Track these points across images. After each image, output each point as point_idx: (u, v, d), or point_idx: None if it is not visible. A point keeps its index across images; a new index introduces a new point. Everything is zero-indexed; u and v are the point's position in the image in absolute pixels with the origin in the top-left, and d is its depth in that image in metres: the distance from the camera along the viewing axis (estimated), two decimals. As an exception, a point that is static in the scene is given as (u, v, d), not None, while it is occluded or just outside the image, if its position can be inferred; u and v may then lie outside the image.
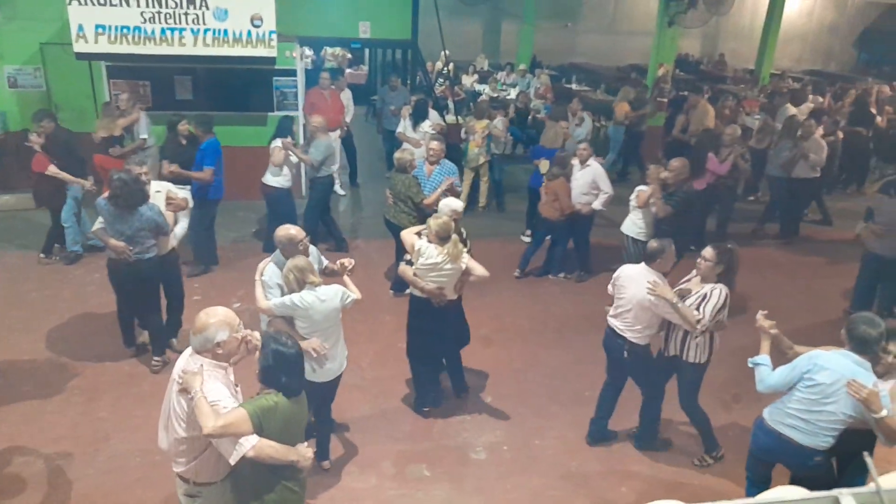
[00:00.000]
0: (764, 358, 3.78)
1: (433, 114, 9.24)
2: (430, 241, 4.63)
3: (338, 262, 4.40)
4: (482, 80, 14.42)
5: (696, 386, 4.61)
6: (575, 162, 7.25)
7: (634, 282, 4.39)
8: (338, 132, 9.59)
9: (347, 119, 9.86)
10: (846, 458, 3.76)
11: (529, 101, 12.13)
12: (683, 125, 9.87)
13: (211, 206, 6.97)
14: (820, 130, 8.93)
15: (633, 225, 6.62)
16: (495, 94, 12.84)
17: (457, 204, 5.19)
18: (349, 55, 16.32)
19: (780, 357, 3.87)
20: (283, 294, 3.99)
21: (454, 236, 4.66)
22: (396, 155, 6.71)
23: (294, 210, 7.42)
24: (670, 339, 4.51)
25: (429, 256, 4.59)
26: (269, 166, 7.26)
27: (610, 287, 4.65)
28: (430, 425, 5.00)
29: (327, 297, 3.93)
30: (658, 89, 10.94)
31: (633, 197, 6.61)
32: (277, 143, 7.26)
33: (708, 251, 4.34)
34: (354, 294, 4.10)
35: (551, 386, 5.56)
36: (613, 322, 4.58)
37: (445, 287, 4.68)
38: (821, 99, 12.30)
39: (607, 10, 18.03)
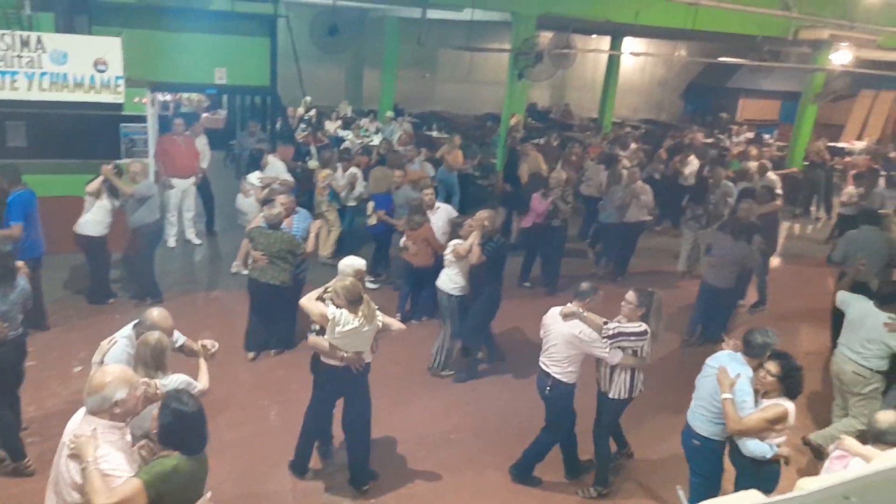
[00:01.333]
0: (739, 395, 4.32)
1: (278, 164, 8.92)
2: (339, 307, 4.39)
3: (200, 342, 4.06)
4: (346, 126, 14.53)
5: (613, 421, 5.03)
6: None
7: (558, 319, 4.74)
8: (192, 179, 9.28)
9: (203, 165, 9.57)
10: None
11: (392, 148, 12.37)
12: (522, 173, 10.26)
13: (30, 266, 6.40)
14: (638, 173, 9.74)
15: (450, 280, 6.43)
16: (359, 141, 12.97)
17: (359, 262, 4.94)
18: (206, 100, 15.88)
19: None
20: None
21: (364, 295, 4.52)
22: (265, 213, 6.43)
23: (109, 259, 7.21)
24: (600, 375, 4.89)
25: (346, 323, 4.35)
26: (83, 213, 6.89)
27: (541, 331, 4.94)
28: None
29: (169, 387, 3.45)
30: (511, 138, 11.54)
31: (448, 252, 6.42)
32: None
33: (630, 295, 4.75)
34: (202, 384, 3.72)
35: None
36: (543, 360, 4.88)
37: (363, 350, 4.55)
38: (633, 145, 13.32)
39: (464, 61, 18.86)
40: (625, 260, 9.58)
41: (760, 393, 4.03)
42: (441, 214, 7.51)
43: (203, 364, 3.91)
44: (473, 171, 12.25)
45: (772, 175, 10.50)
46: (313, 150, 10.91)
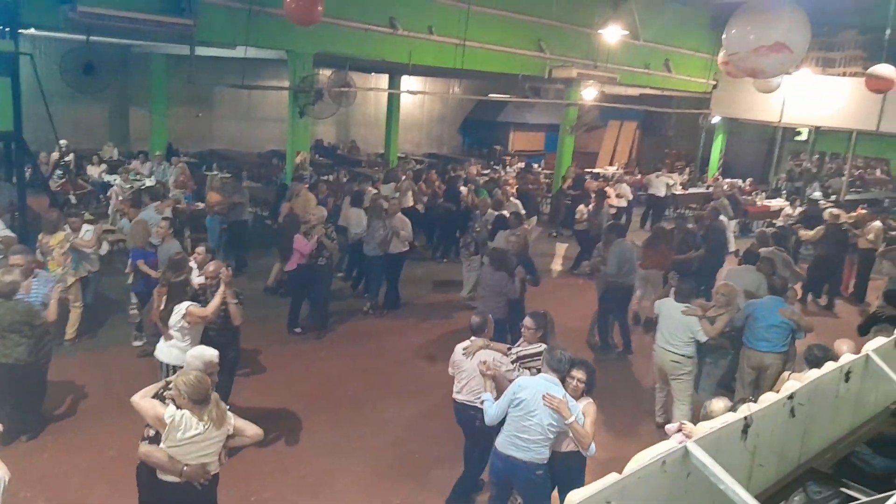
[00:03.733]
0: (487, 395, 4.55)
1: None
2: (180, 407, 3.62)
3: None
4: (112, 171, 13.32)
5: None
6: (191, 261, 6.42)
7: (468, 358, 5.02)
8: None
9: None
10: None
11: (168, 191, 11.57)
12: (287, 212, 9.60)
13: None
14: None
15: (175, 349, 5.36)
16: (128, 185, 11.95)
17: (210, 353, 4.21)
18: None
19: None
20: None
21: (213, 394, 3.75)
22: None
23: None
24: None
25: (188, 428, 3.58)
26: None
27: (450, 369, 5.15)
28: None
29: None
30: (298, 176, 11.38)
31: (178, 318, 5.37)
32: None
33: (527, 320, 5.23)
34: None
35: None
36: (461, 398, 5.02)
37: (210, 461, 3.73)
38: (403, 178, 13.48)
39: (243, 98, 18.31)
40: (393, 291, 9.53)
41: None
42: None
43: None
44: (260, 212, 11.82)
45: (514, 200, 11.39)
46: (72, 199, 9.82)
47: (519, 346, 5.23)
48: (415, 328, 9.00)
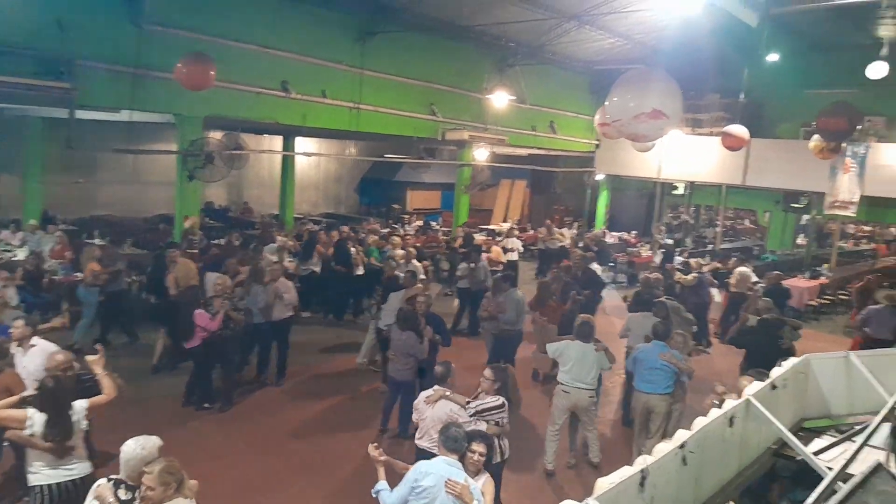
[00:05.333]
0: (382, 484, 4.19)
1: None
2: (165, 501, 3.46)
3: None
4: (-22, 241, 12.32)
5: (497, 484, 5.15)
6: (13, 346, 5.72)
7: (430, 406, 5.26)
8: None
9: None
10: None
11: (43, 261, 10.82)
12: (173, 284, 9.09)
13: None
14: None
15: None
16: (-1, 257, 11.08)
17: (154, 440, 3.92)
18: None
19: (398, 478, 4.19)
20: None
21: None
22: None
23: None
24: None
25: None
26: None
27: (414, 415, 5.43)
28: None
29: None
30: (187, 241, 10.96)
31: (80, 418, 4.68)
32: None
33: (487, 372, 5.45)
34: None
35: None
36: (422, 444, 5.21)
37: None
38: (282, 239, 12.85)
39: (127, 162, 17.59)
40: (282, 360, 9.05)
41: (471, 473, 4.23)
42: (36, 354, 5.70)
43: None
44: (139, 280, 11.11)
45: (415, 262, 11.29)
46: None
47: (477, 398, 5.38)
48: (314, 397, 8.68)
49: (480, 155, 15.90)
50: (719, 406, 3.80)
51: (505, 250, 15.25)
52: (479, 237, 16.72)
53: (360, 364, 9.65)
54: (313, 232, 13.61)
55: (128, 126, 10.64)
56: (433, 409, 5.25)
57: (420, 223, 20.51)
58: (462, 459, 4.18)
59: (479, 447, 4.31)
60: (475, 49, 15.34)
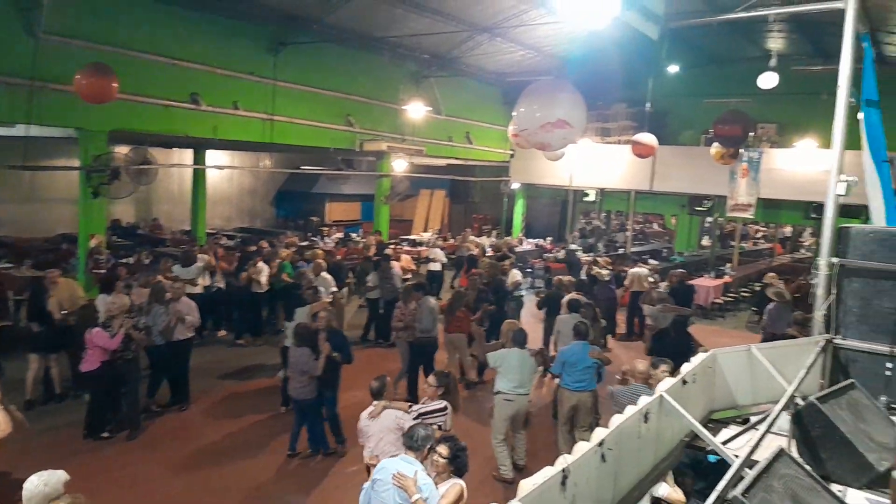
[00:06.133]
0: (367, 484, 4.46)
1: None
2: None
3: None
4: None
5: None
6: None
7: (374, 420, 5.36)
8: None
9: None
10: None
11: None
12: (55, 307, 8.40)
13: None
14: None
15: None
16: None
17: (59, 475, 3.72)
18: None
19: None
20: None
21: None
22: None
23: None
24: None
25: None
26: None
27: (359, 439, 5.48)
28: None
29: None
30: (93, 261, 10.43)
31: None
32: None
33: (431, 378, 5.73)
34: None
35: None
36: (371, 462, 5.17)
37: None
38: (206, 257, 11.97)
39: (25, 179, 16.59)
40: (184, 382, 8.69)
41: (434, 477, 4.30)
42: None
43: None
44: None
45: (326, 275, 11.00)
46: None
47: (422, 403, 5.60)
48: (225, 419, 8.39)
49: (399, 165, 15.95)
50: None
51: (428, 260, 15.34)
52: (401, 247, 16.73)
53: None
54: (213, 247, 13.22)
55: (24, 141, 10.03)
56: (378, 421, 5.37)
57: (340, 235, 20.32)
58: (426, 460, 4.36)
59: (443, 449, 4.35)
60: (391, 60, 15.40)
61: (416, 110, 15.01)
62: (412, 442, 4.36)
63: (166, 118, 11.29)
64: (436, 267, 15.12)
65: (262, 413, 8.62)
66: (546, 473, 2.52)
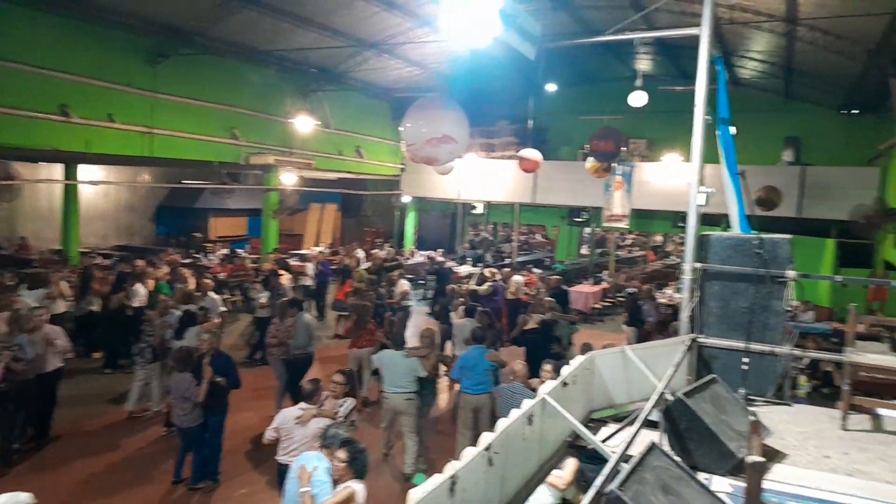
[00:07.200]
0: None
1: None
2: None
3: None
4: None
5: None
6: None
7: (301, 426, 5.62)
8: None
9: None
10: None
11: None
12: None
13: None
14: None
15: None
16: None
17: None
18: None
19: None
20: None
21: None
22: None
23: None
24: None
25: None
26: None
27: (273, 433, 5.68)
28: None
29: None
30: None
31: None
32: None
33: (337, 377, 6.13)
34: None
35: None
36: (284, 459, 5.56)
37: None
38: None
39: None
40: (47, 418, 8.06)
41: (335, 480, 4.43)
42: None
43: None
44: None
45: (213, 294, 10.67)
46: None
47: (323, 404, 5.93)
48: (103, 451, 7.91)
49: (288, 179, 15.68)
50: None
51: (300, 275, 15.12)
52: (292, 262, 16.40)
53: (131, 413, 8.91)
54: (89, 267, 12.44)
55: None
56: (306, 429, 5.60)
57: (226, 251, 19.63)
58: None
59: (340, 453, 4.45)
60: (277, 73, 15.16)
61: (304, 124, 14.85)
62: (323, 439, 4.80)
63: (32, 131, 10.54)
64: (307, 282, 14.95)
65: (142, 440, 8.22)
66: (435, 480, 2.61)
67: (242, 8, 11.75)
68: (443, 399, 9.84)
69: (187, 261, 16.27)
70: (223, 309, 10.41)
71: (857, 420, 4.76)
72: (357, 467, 4.45)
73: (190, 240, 21.14)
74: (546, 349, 8.55)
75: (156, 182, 20.82)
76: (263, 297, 11.67)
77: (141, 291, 10.91)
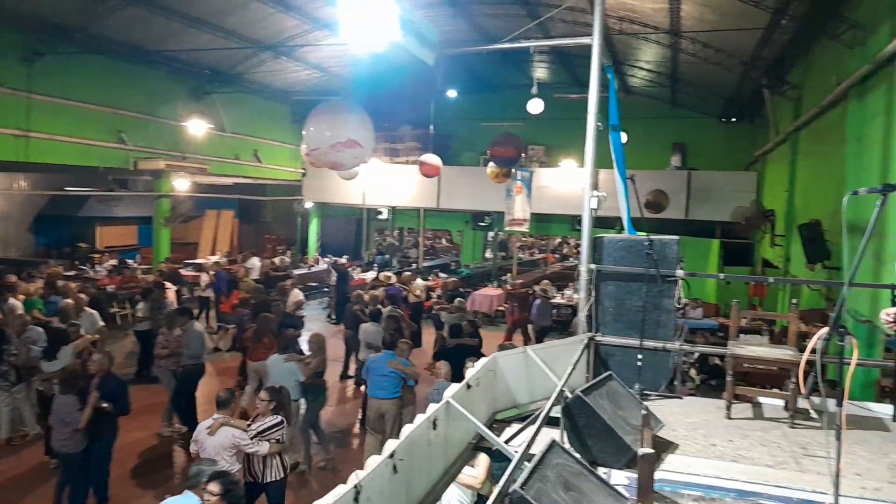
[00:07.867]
0: None
1: None
2: None
3: None
4: None
5: (283, 498, 5.81)
6: None
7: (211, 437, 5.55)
8: None
9: None
10: None
11: None
12: None
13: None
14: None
15: None
16: None
17: None
18: None
19: None
20: None
21: None
22: None
23: None
24: (252, 466, 5.70)
25: None
26: None
27: (193, 446, 5.65)
28: None
29: None
30: None
31: None
32: None
33: (262, 394, 5.99)
34: None
35: None
36: None
37: None
38: None
39: None
40: None
41: None
42: None
43: None
44: None
45: (90, 310, 9.90)
46: None
47: (257, 420, 5.79)
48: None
49: (181, 185, 15.02)
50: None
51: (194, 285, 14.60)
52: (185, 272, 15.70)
53: (9, 440, 8.21)
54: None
55: None
56: (214, 438, 5.50)
57: (115, 262, 18.52)
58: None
59: (213, 486, 4.29)
60: (168, 75, 14.51)
61: (196, 127, 14.30)
62: (188, 481, 4.50)
63: None
64: (207, 293, 14.41)
65: (17, 467, 7.60)
66: (338, 491, 2.54)
67: (128, 5, 11.16)
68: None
69: (71, 273, 15.24)
70: (101, 324, 9.71)
71: (740, 409, 5.06)
72: (232, 499, 4.32)
73: (74, 250, 19.80)
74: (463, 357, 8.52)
75: (34, 189, 19.36)
76: (141, 309, 11.02)
77: (18, 307, 10.02)
